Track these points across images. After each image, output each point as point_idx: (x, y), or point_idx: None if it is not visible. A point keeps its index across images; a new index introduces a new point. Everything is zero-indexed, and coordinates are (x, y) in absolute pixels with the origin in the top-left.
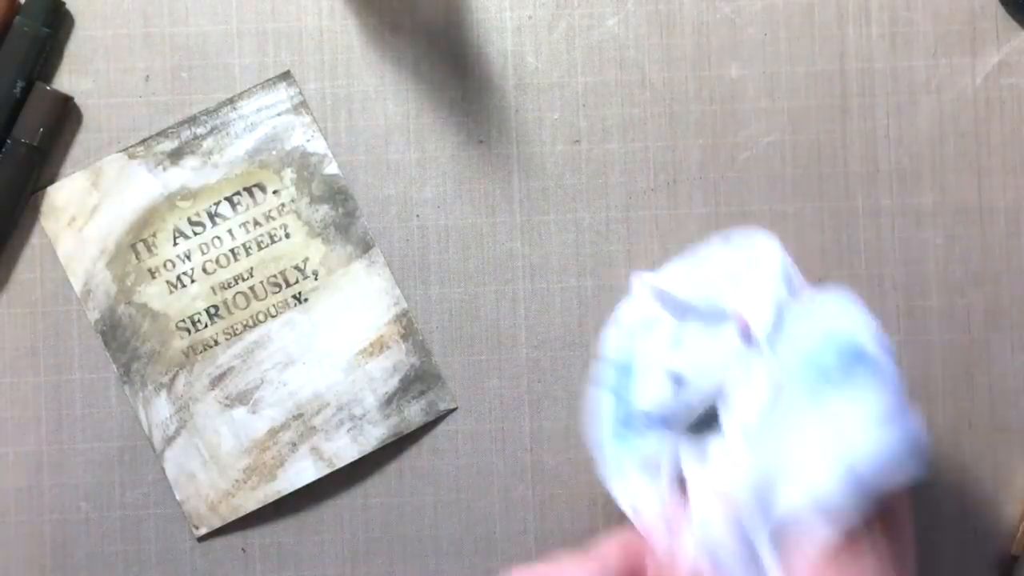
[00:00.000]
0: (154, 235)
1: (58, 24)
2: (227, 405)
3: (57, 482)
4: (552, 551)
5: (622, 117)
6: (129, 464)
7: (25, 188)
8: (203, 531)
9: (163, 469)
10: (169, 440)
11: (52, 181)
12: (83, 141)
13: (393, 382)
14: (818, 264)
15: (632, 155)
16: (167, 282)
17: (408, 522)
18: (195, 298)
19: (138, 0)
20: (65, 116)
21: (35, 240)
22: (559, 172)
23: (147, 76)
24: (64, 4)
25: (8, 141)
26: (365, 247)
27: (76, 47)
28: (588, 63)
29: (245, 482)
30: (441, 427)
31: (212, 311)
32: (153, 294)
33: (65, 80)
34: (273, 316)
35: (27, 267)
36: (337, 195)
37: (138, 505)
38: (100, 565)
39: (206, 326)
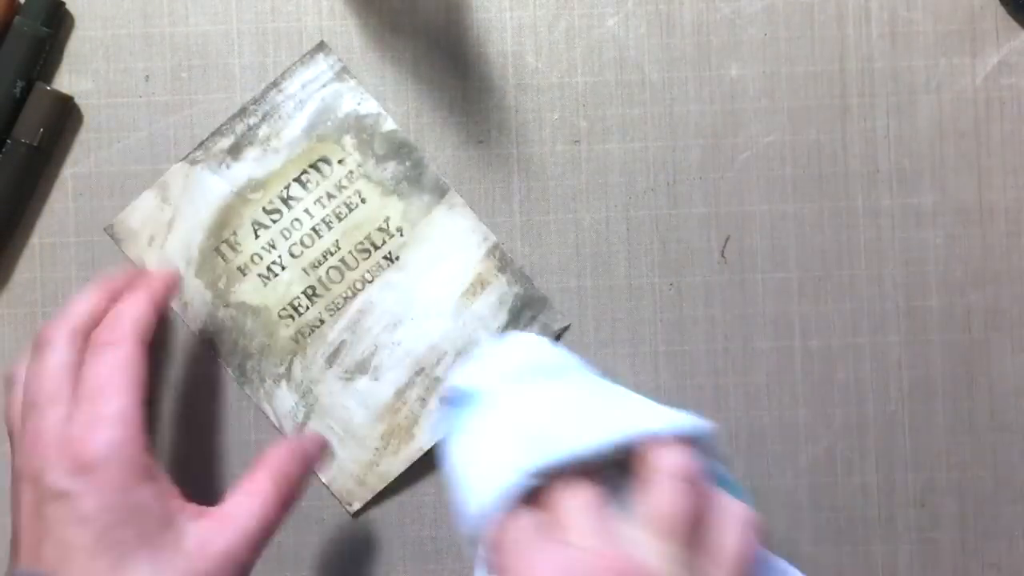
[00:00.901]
0: (234, 233)
1: (58, 24)
2: (348, 379)
3: None
4: None
5: (622, 117)
6: None
7: (25, 188)
8: (357, 506)
9: None
10: (301, 427)
11: (53, 181)
12: (83, 141)
13: (502, 315)
14: (818, 264)
15: (632, 155)
16: (259, 275)
17: (409, 523)
18: (290, 284)
19: (138, 0)
20: (65, 116)
21: (35, 240)
22: (559, 172)
23: (147, 76)
24: (64, 4)
25: (8, 141)
26: (441, 192)
27: (76, 47)
28: (588, 63)
29: (385, 448)
30: None
31: (310, 292)
32: (248, 291)
33: (65, 80)
34: (370, 282)
35: (27, 267)
36: (401, 149)
37: None
38: None
39: (308, 308)
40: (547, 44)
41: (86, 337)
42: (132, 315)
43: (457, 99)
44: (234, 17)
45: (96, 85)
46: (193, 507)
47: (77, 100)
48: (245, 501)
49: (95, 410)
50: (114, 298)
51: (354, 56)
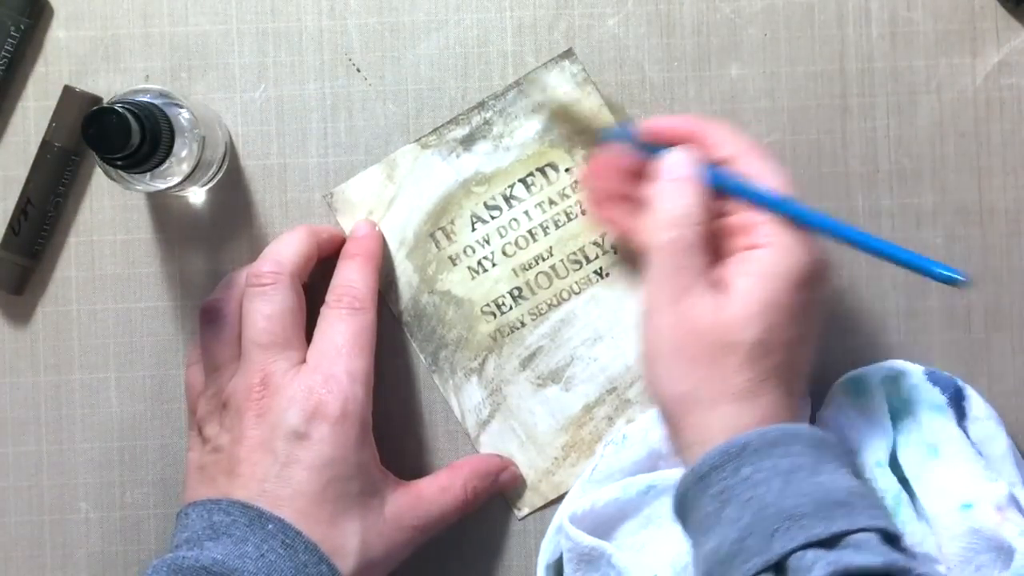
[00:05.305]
0: (452, 222)
1: (37, 15)
2: (539, 385)
3: (56, 482)
4: None
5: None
6: (130, 464)
7: (58, 190)
8: (525, 511)
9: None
10: (483, 424)
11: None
12: None
13: None
14: None
15: None
16: (468, 268)
17: None
18: (498, 281)
19: (138, 0)
20: None
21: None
22: None
23: (147, 76)
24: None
25: (41, 143)
26: None
27: (76, 47)
28: (588, 63)
29: (564, 459)
30: None
31: (516, 293)
32: (456, 281)
33: (66, 80)
34: (577, 293)
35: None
36: None
37: (138, 505)
38: (100, 565)
39: (511, 308)
40: (547, 44)
41: (298, 279)
42: (370, 284)
43: (457, 99)
44: (234, 17)
45: (96, 85)
46: (393, 478)
47: None
48: (438, 492)
49: (344, 366)
50: (319, 246)
51: (354, 56)
